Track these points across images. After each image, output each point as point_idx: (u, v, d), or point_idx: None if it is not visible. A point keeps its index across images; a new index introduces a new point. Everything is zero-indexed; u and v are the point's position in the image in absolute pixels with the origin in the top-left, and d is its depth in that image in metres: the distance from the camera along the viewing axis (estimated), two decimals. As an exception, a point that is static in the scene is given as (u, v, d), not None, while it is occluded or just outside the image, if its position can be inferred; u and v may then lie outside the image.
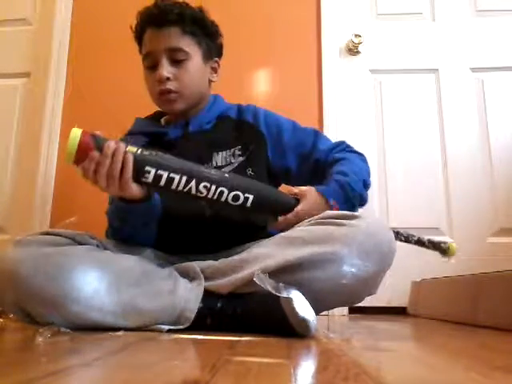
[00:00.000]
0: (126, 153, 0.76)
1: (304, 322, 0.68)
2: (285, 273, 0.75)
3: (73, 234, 0.81)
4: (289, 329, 0.70)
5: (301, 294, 0.70)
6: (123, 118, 1.61)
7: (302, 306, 0.69)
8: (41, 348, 0.57)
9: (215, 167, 0.94)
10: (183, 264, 0.87)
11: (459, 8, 1.67)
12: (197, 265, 0.85)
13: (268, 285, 0.70)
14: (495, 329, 0.88)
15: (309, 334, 0.69)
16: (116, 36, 1.67)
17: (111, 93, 1.61)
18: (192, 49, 0.96)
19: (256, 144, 0.99)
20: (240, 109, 1.06)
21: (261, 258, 0.79)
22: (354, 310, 1.44)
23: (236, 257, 0.83)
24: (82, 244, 0.81)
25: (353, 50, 1.63)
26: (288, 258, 0.76)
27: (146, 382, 0.37)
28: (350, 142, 1.60)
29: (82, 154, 0.75)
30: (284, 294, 0.69)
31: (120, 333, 0.71)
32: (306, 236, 0.78)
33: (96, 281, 0.74)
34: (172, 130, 1.00)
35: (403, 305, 1.43)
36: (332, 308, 0.99)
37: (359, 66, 1.65)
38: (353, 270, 0.74)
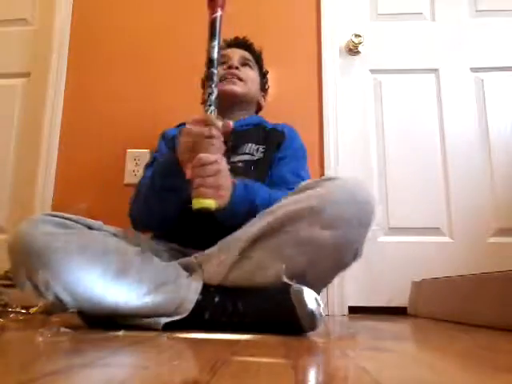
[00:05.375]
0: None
1: (312, 314, 0.71)
2: (268, 236, 0.80)
3: (84, 221, 0.84)
4: (295, 323, 0.71)
5: (310, 289, 0.73)
6: (123, 117, 1.62)
7: (311, 298, 0.71)
8: (41, 348, 0.57)
9: (240, 153, 1.10)
10: (182, 260, 0.89)
11: (459, 8, 1.67)
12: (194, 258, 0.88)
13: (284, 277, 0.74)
14: (495, 329, 0.88)
15: (315, 328, 0.71)
16: (116, 36, 1.67)
17: (111, 93, 1.61)
18: (255, 68, 1.26)
19: (275, 148, 1.11)
20: (276, 124, 1.21)
21: (243, 232, 0.84)
22: (354, 310, 1.44)
23: (221, 241, 0.87)
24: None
25: (353, 50, 1.63)
26: (269, 220, 0.81)
27: (146, 382, 0.37)
28: (349, 141, 1.61)
29: None
30: (294, 287, 0.72)
31: (120, 333, 0.71)
32: (285, 202, 0.83)
33: (104, 264, 0.76)
34: None
35: (403, 305, 1.43)
36: (327, 276, 0.88)
37: (359, 66, 1.65)
38: (332, 221, 0.77)
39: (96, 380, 0.40)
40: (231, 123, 0.84)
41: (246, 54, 1.25)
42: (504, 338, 0.79)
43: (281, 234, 0.79)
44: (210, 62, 0.86)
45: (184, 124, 1.12)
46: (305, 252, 0.78)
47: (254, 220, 0.85)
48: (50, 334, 0.65)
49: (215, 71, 0.85)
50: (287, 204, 0.81)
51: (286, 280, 0.73)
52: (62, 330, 0.71)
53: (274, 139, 1.13)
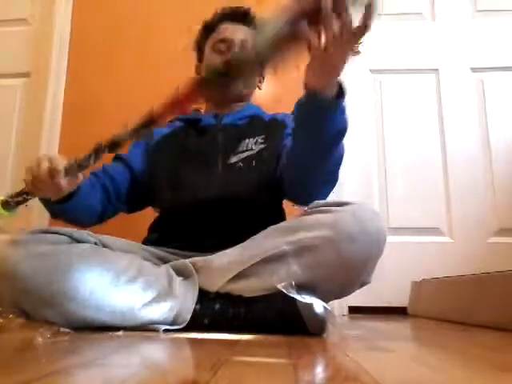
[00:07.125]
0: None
1: (319, 318, 0.71)
2: (275, 261, 0.77)
3: (71, 232, 0.81)
4: (302, 329, 0.71)
5: (317, 299, 0.73)
6: (123, 117, 1.61)
7: (320, 307, 0.71)
8: (41, 348, 0.57)
9: (238, 152, 1.02)
10: (177, 262, 0.87)
11: (459, 8, 1.67)
12: (189, 260, 0.86)
13: (289, 290, 0.72)
14: (495, 329, 0.88)
15: (322, 332, 0.71)
16: (116, 36, 1.66)
17: (111, 93, 1.61)
18: None
19: (277, 134, 1.04)
20: (274, 114, 1.13)
21: (247, 248, 0.81)
22: (354, 310, 1.44)
23: (228, 251, 0.84)
24: (80, 242, 0.81)
25: (353, 50, 1.63)
26: (276, 244, 0.78)
27: (146, 382, 0.37)
28: (349, 141, 1.60)
29: None
30: (300, 298, 0.71)
31: (120, 333, 0.71)
32: (295, 225, 0.80)
33: (93, 280, 0.74)
34: (206, 118, 1.09)
35: (403, 305, 1.43)
36: (335, 294, 0.90)
37: (359, 66, 1.65)
38: (342, 252, 0.75)
39: (96, 380, 0.40)
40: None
41: (246, 31, 1.09)
42: (504, 337, 0.78)
43: (289, 259, 0.77)
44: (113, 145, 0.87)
45: (176, 119, 1.10)
46: (314, 273, 0.77)
47: (259, 237, 0.83)
48: (49, 334, 0.65)
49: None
50: (298, 228, 0.79)
51: (297, 298, 0.71)
52: (62, 330, 0.71)
53: (276, 129, 1.06)
